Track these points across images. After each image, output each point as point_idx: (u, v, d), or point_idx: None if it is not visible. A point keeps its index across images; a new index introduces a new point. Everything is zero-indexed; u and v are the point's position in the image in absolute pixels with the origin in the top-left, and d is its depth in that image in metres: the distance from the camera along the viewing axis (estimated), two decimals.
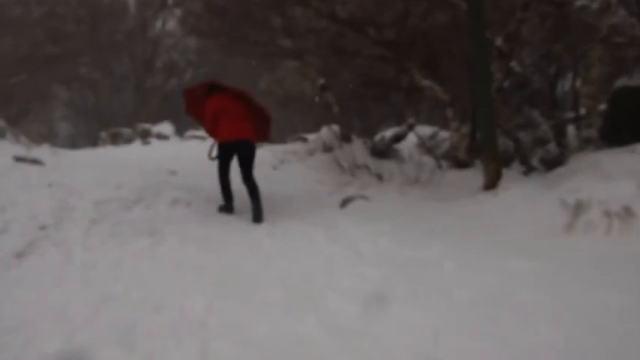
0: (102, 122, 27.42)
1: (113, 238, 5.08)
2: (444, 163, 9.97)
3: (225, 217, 6.18)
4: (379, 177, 7.98)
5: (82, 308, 3.39)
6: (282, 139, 18.08)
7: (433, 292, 3.61)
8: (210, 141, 7.27)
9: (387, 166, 8.55)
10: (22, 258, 4.33)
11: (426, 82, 9.12)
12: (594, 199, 5.03)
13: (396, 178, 8.11)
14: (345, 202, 6.82)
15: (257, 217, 6.16)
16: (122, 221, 5.70)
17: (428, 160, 9.75)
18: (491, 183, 6.93)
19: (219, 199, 6.88)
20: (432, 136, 11.89)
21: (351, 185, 7.88)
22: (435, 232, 5.27)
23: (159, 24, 30.44)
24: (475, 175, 8.62)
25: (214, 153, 6.77)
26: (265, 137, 7.54)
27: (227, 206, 6.56)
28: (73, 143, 26.15)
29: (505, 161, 9.49)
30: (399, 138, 10.98)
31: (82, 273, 4.02)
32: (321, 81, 10.84)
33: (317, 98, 12.07)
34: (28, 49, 23.17)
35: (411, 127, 10.82)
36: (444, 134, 12.44)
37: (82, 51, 26.60)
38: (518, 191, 6.40)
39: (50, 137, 27.01)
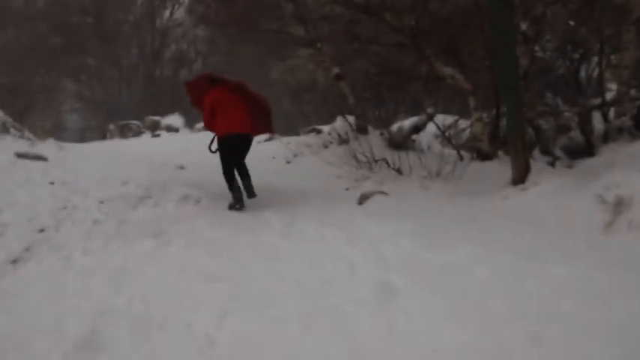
0: (111, 115, 27.26)
1: (117, 240, 4.82)
2: (465, 154, 9.59)
3: (236, 216, 5.90)
4: (398, 171, 7.64)
5: (80, 324, 3.12)
6: (294, 131, 17.81)
7: (466, 305, 3.30)
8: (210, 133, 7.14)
9: (405, 158, 8.19)
10: (17, 264, 4.07)
11: (447, 70, 8.74)
12: (637, 196, 4.66)
13: (415, 171, 7.77)
14: (363, 199, 6.51)
15: (250, 193, 6.48)
16: (127, 221, 5.45)
17: (448, 152, 9.39)
18: (520, 177, 6.57)
19: (229, 196, 6.68)
20: (450, 126, 11.53)
21: (369, 180, 7.57)
22: (462, 232, 4.94)
23: (167, 14, 30.16)
24: (499, 168, 8.26)
25: (214, 146, 6.83)
26: (268, 129, 7.57)
27: (236, 199, 6.47)
28: (82, 136, 26.03)
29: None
30: (417, 129, 10.63)
31: (81, 281, 3.75)
32: (336, 70, 10.50)
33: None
34: (33, 40, 23.04)
35: (430, 117, 10.45)
36: (462, 124, 12.09)
37: (88, 42, 26.43)
38: (549, 186, 6.02)
39: (58, 131, 26.95)
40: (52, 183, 6.73)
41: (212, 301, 3.44)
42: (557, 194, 5.72)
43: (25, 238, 4.55)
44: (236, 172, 6.68)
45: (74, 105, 31.58)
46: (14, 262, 4.11)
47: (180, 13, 29.85)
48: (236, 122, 6.48)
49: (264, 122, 7.18)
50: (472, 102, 9.43)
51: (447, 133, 10.66)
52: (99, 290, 3.60)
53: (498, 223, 5.23)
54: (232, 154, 6.63)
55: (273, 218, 5.76)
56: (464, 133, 11.57)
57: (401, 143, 10.07)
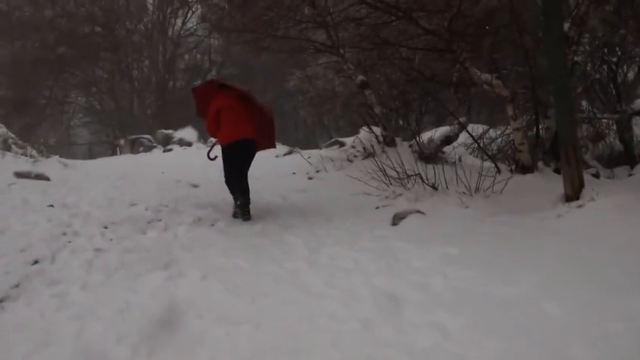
0: (121, 129, 27.10)
1: (121, 272, 4.36)
2: (500, 166, 9.04)
3: (256, 241, 5.40)
4: (433, 186, 7.13)
5: None
6: (314, 144, 17.35)
7: (538, 351, 2.79)
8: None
9: (440, 172, 7.66)
10: (3, 305, 3.61)
11: (485, 76, 8.24)
12: None
13: (452, 186, 7.25)
14: (397, 219, 6.01)
15: (246, 213, 6.40)
16: (133, 249, 5.01)
17: (481, 164, 8.84)
18: (574, 192, 6.03)
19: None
20: (481, 136, 11.01)
21: (402, 197, 7.05)
22: (519, 258, 4.41)
23: (179, 22, 30.02)
24: (541, 181, 7.75)
25: (214, 153, 6.96)
26: (270, 144, 7.37)
27: (243, 205, 6.48)
28: (91, 152, 25.84)
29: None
30: (449, 140, 10.10)
31: (75, 328, 3.26)
32: (360, 77, 10.04)
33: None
34: (40, 52, 22.93)
35: (463, 127, 9.93)
36: (493, 133, 11.56)
37: (97, 53, 26.31)
38: (607, 203, 5.48)
39: (66, 146, 26.84)
40: (52, 206, 6.37)
41: (231, 351, 2.96)
42: (619, 212, 5.19)
43: (14, 273, 4.11)
44: None
45: (83, 119, 31.52)
46: (1, 301, 3.66)
47: (193, 22, 29.77)
48: (240, 129, 6.48)
49: (268, 135, 7.10)
50: (510, 110, 8.92)
51: (482, 145, 10.15)
52: (95, 340, 3.12)
53: (560, 246, 4.67)
54: (236, 162, 6.57)
55: (297, 243, 5.29)
56: (494, 144, 11.06)
57: (432, 156, 9.57)
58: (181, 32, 30.56)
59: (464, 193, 6.96)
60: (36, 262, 4.44)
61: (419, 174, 7.19)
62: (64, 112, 29.21)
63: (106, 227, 5.75)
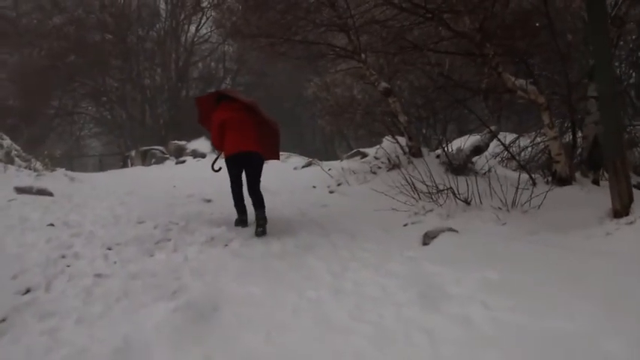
0: (133, 139, 27.03)
1: (123, 302, 4.05)
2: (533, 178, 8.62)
3: (273, 264, 5.06)
4: (466, 201, 6.75)
5: None
6: (333, 154, 17.06)
7: None
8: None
9: (472, 185, 7.27)
10: None
11: (519, 82, 7.87)
12: None
13: (485, 201, 6.87)
14: (428, 238, 5.64)
15: (259, 226, 6.34)
16: (138, 274, 4.70)
17: (513, 175, 8.43)
18: (623, 207, 5.63)
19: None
20: (510, 145, 10.60)
21: (432, 213, 6.69)
22: (569, 284, 4.01)
23: (192, 29, 29.97)
24: (581, 194, 7.34)
25: (218, 165, 7.06)
26: (274, 155, 7.53)
27: (240, 221, 6.75)
28: (101, 163, 25.76)
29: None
30: (479, 150, 9.72)
31: None
32: (384, 84, 9.70)
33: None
34: (49, 60, 22.92)
35: (494, 136, 9.55)
36: (522, 141, 11.15)
37: (108, 61, 26.27)
38: None
39: (76, 157, 26.81)
40: (52, 225, 6.12)
41: None
42: None
43: (2, 304, 3.81)
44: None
45: (94, 129, 31.54)
46: None
47: (207, 28, 29.71)
48: (243, 141, 6.56)
49: (271, 146, 7.25)
50: (546, 118, 8.53)
51: (513, 154, 9.75)
52: None
53: (613, 269, 4.27)
54: (238, 174, 6.70)
55: (319, 266, 4.93)
56: (524, 153, 10.64)
57: (461, 167, 9.19)
58: (195, 39, 30.54)
59: (499, 208, 6.57)
60: (28, 290, 4.15)
61: (451, 188, 6.82)
62: (73, 123, 29.22)
63: (109, 249, 5.48)
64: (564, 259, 4.75)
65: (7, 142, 13.29)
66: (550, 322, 3.36)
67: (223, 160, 6.88)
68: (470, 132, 11.14)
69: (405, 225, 6.49)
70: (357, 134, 18.10)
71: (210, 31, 29.65)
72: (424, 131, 11.57)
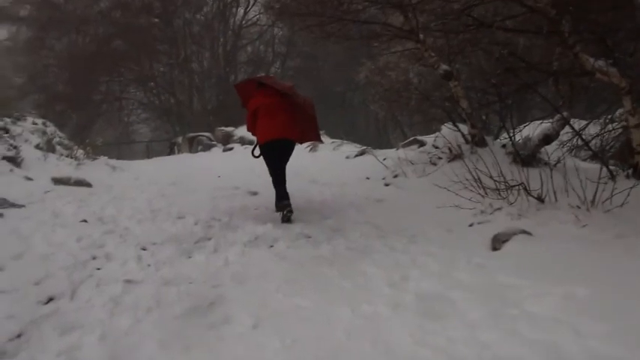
0: (181, 125, 27.02)
1: (153, 313, 3.67)
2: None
3: (322, 270, 4.58)
4: (539, 198, 6.12)
5: None
6: (387, 142, 16.49)
7: None
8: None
9: (537, 177, 6.60)
10: None
11: (599, 63, 7.14)
12: None
13: (561, 198, 6.20)
14: (499, 242, 5.07)
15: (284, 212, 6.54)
16: (173, 280, 4.33)
17: (586, 167, 7.69)
18: None
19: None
20: (579, 133, 9.80)
21: (501, 211, 6.08)
22: None
23: (240, 12, 29.70)
24: None
25: (257, 151, 7.09)
26: (314, 137, 7.67)
27: (282, 204, 6.63)
28: (148, 150, 25.83)
29: None
30: (549, 139, 8.98)
31: None
32: (444, 67, 9.07)
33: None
34: (95, 45, 23.03)
35: (564, 124, 8.80)
36: (593, 129, 10.34)
37: (155, 46, 26.29)
38: None
39: (125, 143, 26.99)
40: (85, 221, 5.80)
41: None
42: None
43: (20, 316, 3.47)
44: None
45: (142, 115, 31.73)
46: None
47: (255, 10, 29.40)
48: (276, 128, 6.69)
49: (310, 129, 7.32)
50: (628, 103, 7.76)
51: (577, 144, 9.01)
52: None
53: None
54: (274, 159, 6.85)
55: (375, 274, 4.43)
56: (593, 142, 9.84)
57: (529, 158, 8.50)
58: (243, 22, 30.28)
59: (577, 207, 5.91)
60: (50, 299, 3.81)
61: (522, 183, 6.19)
62: (121, 109, 29.43)
63: (144, 249, 5.14)
64: None
65: (50, 129, 13.25)
66: None
67: None
68: (535, 119, 10.41)
69: (471, 225, 5.92)
70: (412, 121, 17.47)
71: (259, 14, 29.34)
72: (484, 118, 10.88)
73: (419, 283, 4.19)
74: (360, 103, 25.16)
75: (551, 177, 6.28)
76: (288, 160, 6.97)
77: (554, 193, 6.21)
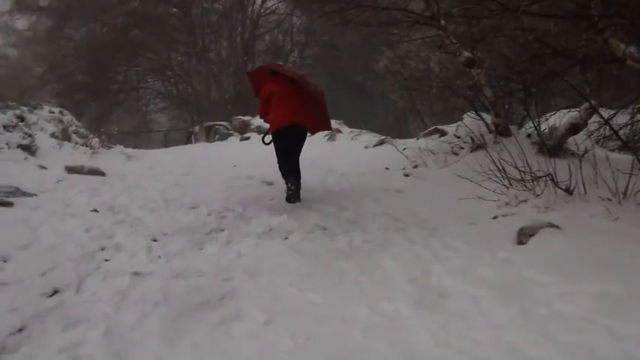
0: (199, 114, 26.94)
1: (160, 308, 3.50)
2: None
3: (339, 265, 4.36)
4: (568, 190, 5.85)
5: None
6: (405, 131, 16.20)
7: None
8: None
9: (565, 168, 6.32)
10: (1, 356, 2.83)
11: (630, 49, 6.83)
12: None
13: (590, 190, 5.92)
14: (525, 235, 4.82)
15: (291, 194, 6.68)
16: (183, 272, 4.17)
17: (616, 158, 7.37)
18: None
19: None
20: (607, 122, 9.46)
21: (527, 204, 5.81)
22: None
23: (258, 1, 29.47)
24: None
25: (269, 138, 7.23)
26: (324, 125, 7.72)
27: (292, 192, 6.76)
28: (167, 139, 25.78)
29: None
30: (576, 128, 8.67)
31: None
32: (466, 54, 8.78)
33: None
34: (113, 35, 23.00)
35: (592, 113, 8.48)
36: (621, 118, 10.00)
37: (173, 35, 26.20)
38: None
39: (142, 133, 26.98)
40: (96, 210, 5.64)
41: None
42: None
43: (23, 309, 3.33)
44: None
45: (159, 105, 31.72)
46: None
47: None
48: (288, 115, 6.75)
49: (320, 117, 7.38)
50: None
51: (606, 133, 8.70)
52: None
53: None
54: (285, 147, 6.87)
55: (394, 269, 4.21)
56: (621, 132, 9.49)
57: (555, 148, 8.20)
58: (261, 11, 30.03)
59: (608, 199, 5.63)
60: (55, 292, 3.66)
61: (549, 174, 5.92)
62: (139, 98, 29.42)
63: (155, 240, 4.97)
64: None
65: (67, 117, 13.17)
66: None
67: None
68: (560, 108, 10.08)
69: (495, 217, 5.66)
70: (432, 110, 17.17)
71: (278, 2, 29.10)
72: (506, 107, 10.58)
73: (441, 279, 3.97)
74: (379, 93, 24.81)
75: (580, 168, 6.01)
76: (300, 149, 7.00)
77: (584, 184, 5.93)
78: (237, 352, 2.95)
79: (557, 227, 4.93)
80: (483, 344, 2.97)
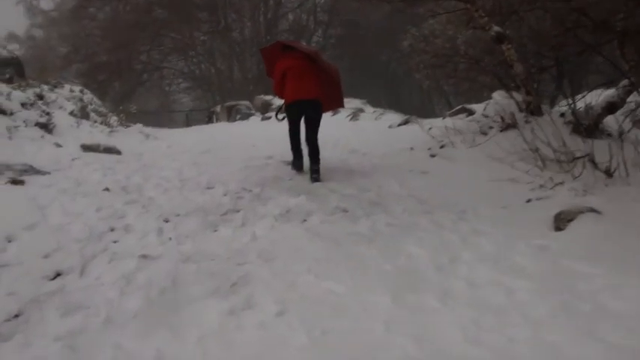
0: (221, 94, 26.73)
1: (167, 294, 3.24)
2: None
3: (361, 250, 4.03)
4: (608, 172, 5.45)
5: None
6: (430, 111, 15.76)
7: None
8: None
9: (603, 149, 5.89)
10: None
11: None
12: None
13: (633, 172, 5.51)
14: (563, 221, 4.45)
15: (315, 178, 6.52)
16: (194, 256, 3.89)
17: None
18: None
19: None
20: None
21: (563, 186, 5.42)
22: None
23: None
24: None
25: (282, 114, 7.24)
26: (337, 102, 7.71)
27: (296, 163, 7.13)
28: (189, 118, 25.62)
29: None
30: (613, 107, 8.20)
31: None
32: (496, 29, 8.33)
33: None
34: (135, 15, 22.83)
35: (631, 90, 8.00)
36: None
37: (195, 14, 25.96)
38: None
39: (165, 112, 26.86)
40: (107, 189, 5.38)
41: None
42: None
43: (22, 293, 3.09)
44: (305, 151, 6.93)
45: (182, 84, 31.58)
46: None
47: None
48: (304, 89, 6.74)
49: (334, 95, 7.32)
50: None
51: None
52: None
53: None
54: (296, 120, 6.92)
55: (420, 255, 3.88)
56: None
57: (591, 128, 7.75)
58: None
59: None
60: (58, 274, 3.42)
61: (588, 154, 5.52)
62: (162, 78, 29.31)
63: (167, 220, 4.71)
64: None
65: (87, 96, 13.00)
66: None
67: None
68: (595, 86, 9.60)
69: (529, 201, 5.28)
70: (458, 90, 16.69)
71: None
72: (535, 86, 10.11)
73: (471, 267, 3.64)
74: (404, 73, 24.33)
75: (622, 148, 5.59)
76: (318, 124, 6.90)
77: (625, 166, 5.51)
78: (246, 347, 2.66)
79: (598, 212, 4.55)
80: (519, 342, 2.65)
